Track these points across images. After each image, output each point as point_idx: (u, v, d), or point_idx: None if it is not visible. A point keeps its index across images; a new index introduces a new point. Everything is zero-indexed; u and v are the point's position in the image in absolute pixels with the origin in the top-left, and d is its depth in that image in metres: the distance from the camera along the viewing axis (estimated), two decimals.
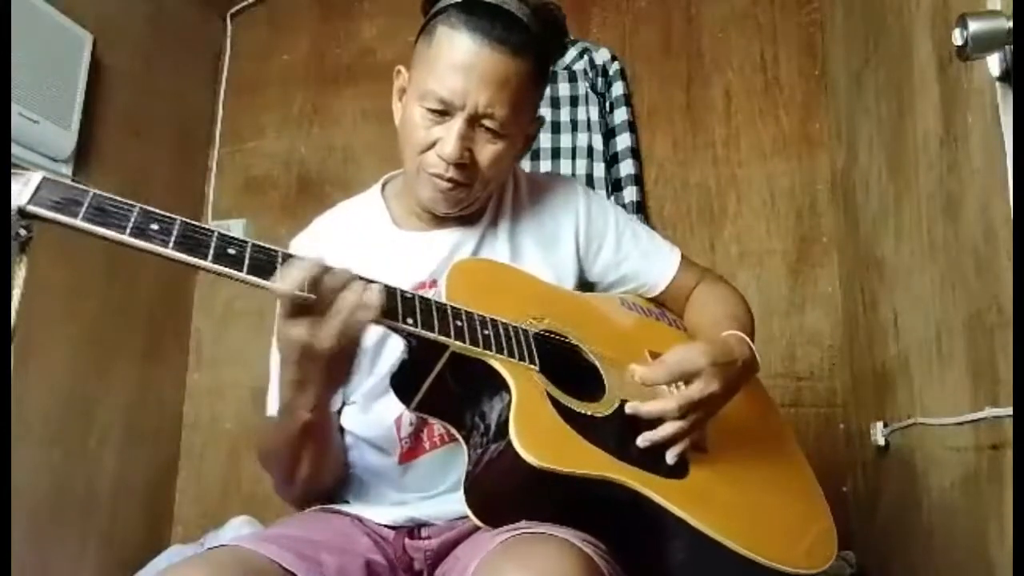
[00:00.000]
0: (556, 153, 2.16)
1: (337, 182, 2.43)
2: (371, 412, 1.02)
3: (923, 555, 1.34)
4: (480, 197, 1.05)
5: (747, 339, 1.01)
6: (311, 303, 0.76)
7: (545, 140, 2.16)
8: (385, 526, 0.99)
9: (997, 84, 0.86)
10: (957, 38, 0.77)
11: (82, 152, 1.99)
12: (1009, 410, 0.91)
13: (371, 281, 0.81)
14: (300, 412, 0.86)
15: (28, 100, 1.79)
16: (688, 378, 0.90)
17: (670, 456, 0.90)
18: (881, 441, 1.54)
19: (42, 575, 1.89)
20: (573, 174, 2.11)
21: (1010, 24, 0.75)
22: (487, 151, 0.99)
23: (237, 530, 1.94)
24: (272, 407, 1.04)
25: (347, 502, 1.04)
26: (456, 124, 0.95)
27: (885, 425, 1.54)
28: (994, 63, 0.83)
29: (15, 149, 1.79)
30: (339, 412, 1.05)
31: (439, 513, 0.97)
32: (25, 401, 1.84)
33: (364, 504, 1.02)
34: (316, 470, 0.97)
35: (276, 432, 0.93)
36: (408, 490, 1.01)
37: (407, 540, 0.97)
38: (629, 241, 1.15)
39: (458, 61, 0.94)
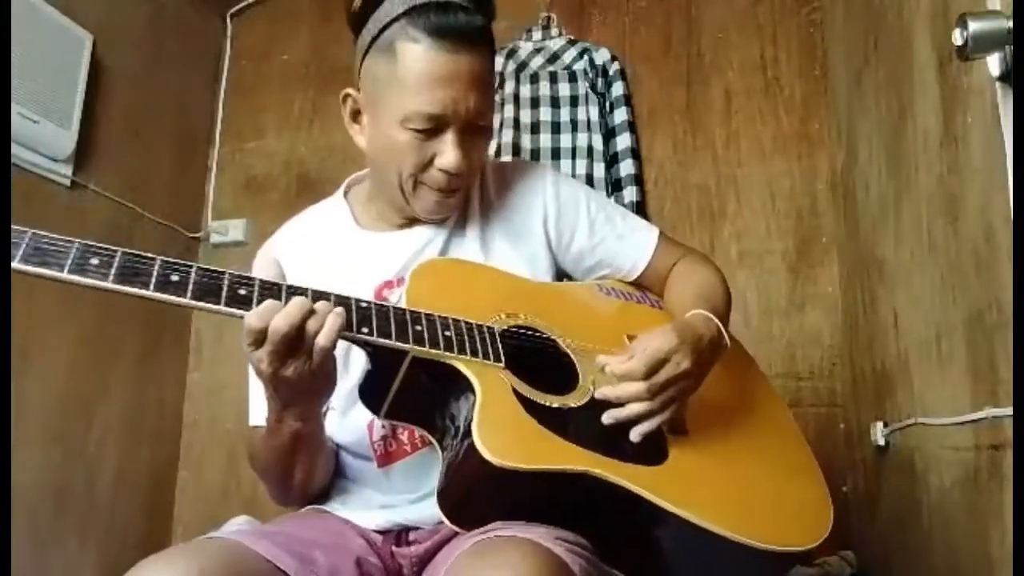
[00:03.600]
0: (556, 153, 2.16)
1: (337, 182, 2.36)
2: (347, 417, 1.00)
3: (923, 555, 1.34)
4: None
5: (713, 317, 0.98)
6: (270, 338, 0.76)
7: (545, 140, 2.17)
8: (373, 531, 0.98)
9: (997, 84, 0.86)
10: (957, 38, 0.77)
11: (82, 152, 1.99)
12: (1009, 410, 0.91)
13: (323, 293, 0.80)
14: (289, 422, 0.86)
15: (28, 100, 1.79)
16: (660, 364, 0.88)
17: (634, 435, 0.87)
18: (881, 441, 1.54)
19: (42, 575, 1.89)
20: (573, 174, 2.11)
21: (1010, 24, 0.75)
22: (479, 149, 0.99)
23: None
24: (254, 417, 1.02)
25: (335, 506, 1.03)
26: (453, 135, 0.94)
27: (885, 425, 1.54)
28: (994, 63, 0.83)
29: (15, 149, 1.79)
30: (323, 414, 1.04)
31: (424, 517, 0.96)
32: (25, 401, 1.84)
33: (351, 509, 1.00)
34: (309, 475, 0.97)
35: (267, 442, 0.92)
36: (393, 493, 1.00)
37: (394, 547, 0.97)
38: (603, 225, 1.11)
39: (438, 74, 0.91)
